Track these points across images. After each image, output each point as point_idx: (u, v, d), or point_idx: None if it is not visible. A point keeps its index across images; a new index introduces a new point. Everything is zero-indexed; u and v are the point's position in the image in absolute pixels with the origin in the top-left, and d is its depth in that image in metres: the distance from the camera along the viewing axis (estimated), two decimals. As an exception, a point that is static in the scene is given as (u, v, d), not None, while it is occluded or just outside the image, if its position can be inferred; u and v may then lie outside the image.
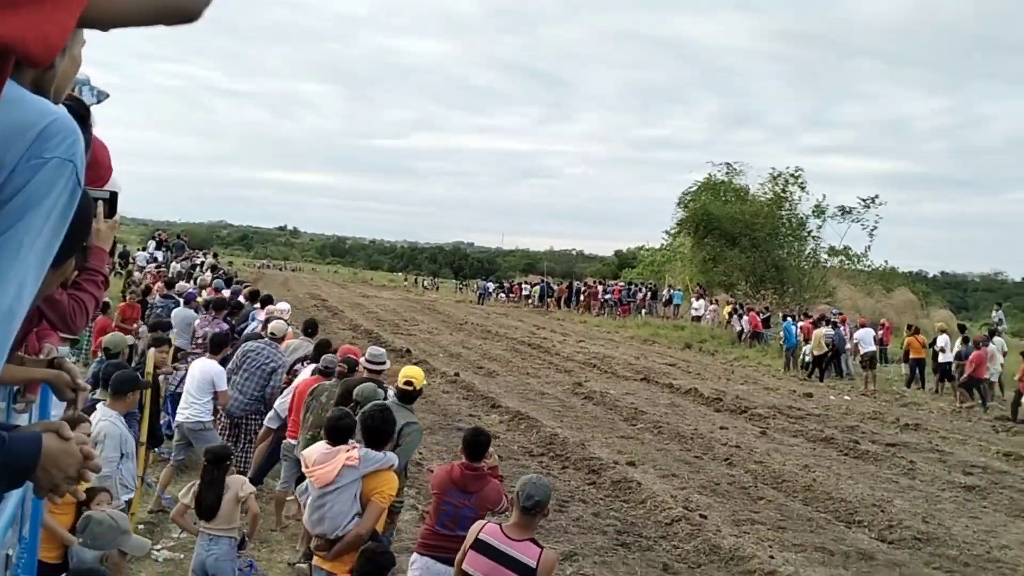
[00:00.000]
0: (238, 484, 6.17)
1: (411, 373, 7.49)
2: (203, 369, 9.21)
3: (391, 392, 8.05)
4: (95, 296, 2.98)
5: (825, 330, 25.17)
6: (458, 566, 5.11)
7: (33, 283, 1.45)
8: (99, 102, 2.22)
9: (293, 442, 8.45)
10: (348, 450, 5.75)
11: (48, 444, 1.66)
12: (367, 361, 8.56)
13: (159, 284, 18.12)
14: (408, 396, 7.34)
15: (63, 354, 3.17)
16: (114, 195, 2.31)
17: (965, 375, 20.45)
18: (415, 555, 6.04)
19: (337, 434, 5.91)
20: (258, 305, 14.36)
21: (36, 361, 2.99)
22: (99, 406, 6.71)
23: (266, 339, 10.08)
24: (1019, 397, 18.68)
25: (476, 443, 6.14)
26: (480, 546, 4.98)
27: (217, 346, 9.60)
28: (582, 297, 47.92)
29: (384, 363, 8.59)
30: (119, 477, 6.51)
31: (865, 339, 23.40)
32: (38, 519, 3.81)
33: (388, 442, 6.04)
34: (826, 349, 24.72)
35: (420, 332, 29.83)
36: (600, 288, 48.21)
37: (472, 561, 4.97)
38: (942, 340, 22.22)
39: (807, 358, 25.39)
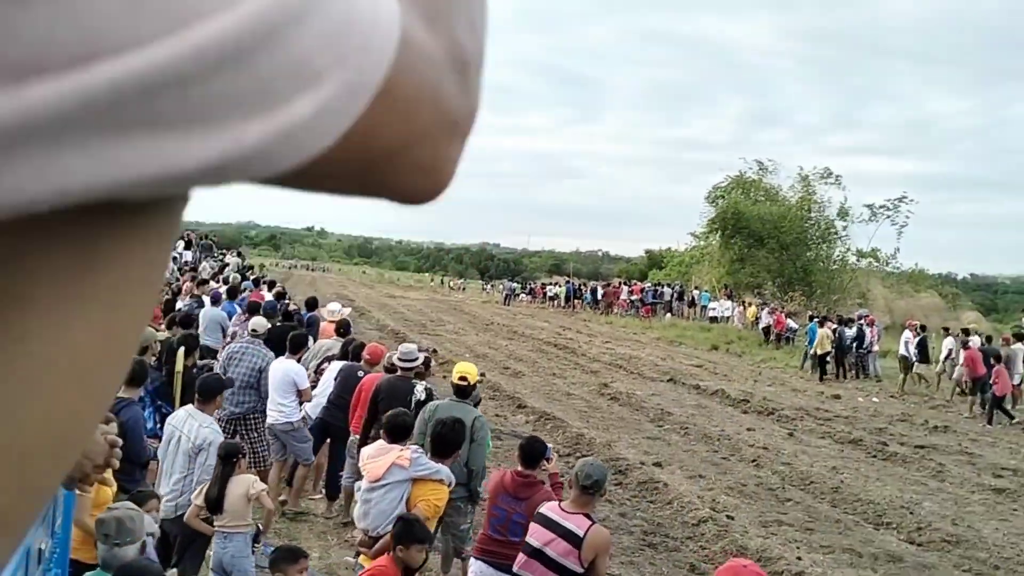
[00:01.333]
0: (248, 483, 6.22)
1: (465, 369, 7.61)
2: (284, 370, 9.12)
3: (420, 388, 8.14)
4: None
5: (825, 330, 25.11)
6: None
7: None
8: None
9: (357, 438, 8.54)
10: (401, 450, 5.80)
11: None
12: (399, 359, 8.63)
13: (187, 284, 18.25)
14: (463, 391, 7.45)
15: None
16: None
17: (965, 377, 20.36)
18: (472, 559, 6.18)
19: (394, 432, 5.97)
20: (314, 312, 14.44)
21: None
22: (190, 410, 6.80)
23: (247, 338, 10.04)
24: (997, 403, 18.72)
25: (531, 450, 6.24)
26: (540, 518, 5.32)
27: (296, 346, 9.65)
28: (600, 297, 48.01)
29: (416, 359, 8.66)
30: None
31: (907, 343, 23.05)
32: (70, 514, 3.87)
33: (452, 455, 6.10)
34: (830, 348, 24.57)
35: (447, 332, 29.90)
36: (624, 288, 48.19)
37: (532, 531, 5.30)
38: (974, 341, 22.00)
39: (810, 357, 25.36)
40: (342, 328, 11.44)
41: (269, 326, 10.74)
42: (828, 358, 24.80)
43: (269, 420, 9.15)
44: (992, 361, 19.41)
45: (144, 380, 7.00)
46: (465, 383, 7.45)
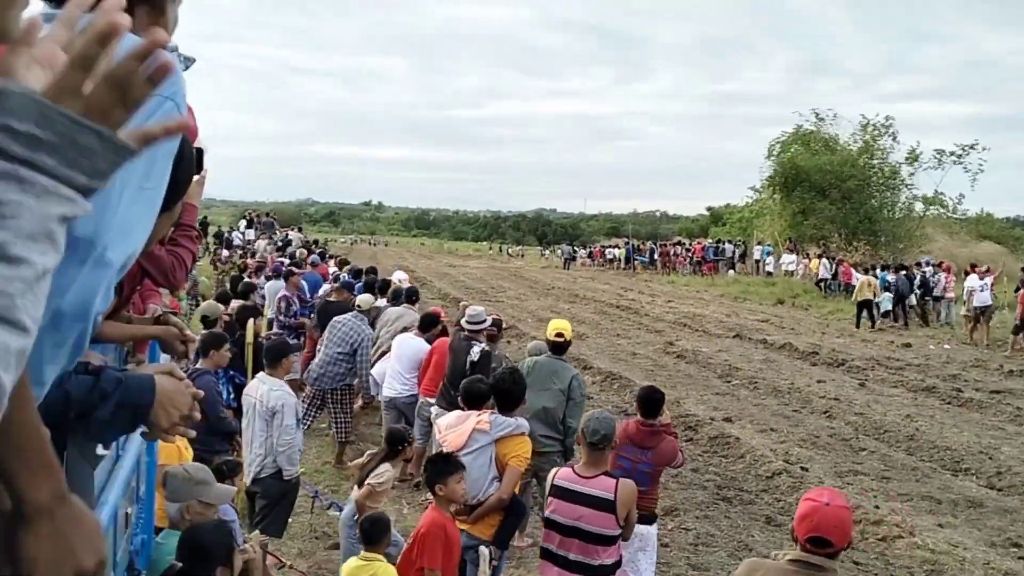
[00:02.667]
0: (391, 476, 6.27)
1: (560, 326, 7.69)
2: (416, 347, 9.43)
3: (475, 350, 8.19)
4: (191, 250, 3.08)
5: (868, 277, 24.65)
6: (545, 519, 5.21)
7: (143, 214, 1.47)
8: (187, 68, 2.27)
9: (431, 400, 8.66)
10: (479, 415, 5.83)
11: (161, 383, 1.72)
12: (466, 321, 8.70)
13: (250, 267, 18.50)
14: (559, 348, 7.54)
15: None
16: (200, 151, 2.37)
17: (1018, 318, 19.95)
18: None
19: (471, 399, 6.00)
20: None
21: (143, 319, 3.10)
22: (261, 377, 6.95)
23: (353, 312, 10.21)
24: None
25: (651, 400, 6.26)
26: (557, 491, 5.07)
27: (427, 324, 9.83)
28: (656, 256, 47.84)
29: (484, 321, 8.74)
30: (298, 444, 6.82)
31: (980, 291, 21.92)
32: (152, 479, 3.96)
33: (519, 405, 6.10)
34: (868, 296, 24.11)
35: (508, 299, 29.95)
36: (679, 247, 47.95)
37: (555, 508, 5.06)
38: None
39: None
40: (413, 296, 11.49)
41: (374, 302, 10.96)
42: (876, 306, 24.36)
43: (391, 393, 9.40)
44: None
45: (220, 349, 7.11)
46: (561, 339, 7.54)
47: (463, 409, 6.05)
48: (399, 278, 13.62)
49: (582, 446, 5.22)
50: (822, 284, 32.25)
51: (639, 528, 6.06)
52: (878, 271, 26.94)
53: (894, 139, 41.35)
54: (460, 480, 5.06)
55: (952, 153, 40.25)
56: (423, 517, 5.09)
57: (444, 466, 5.08)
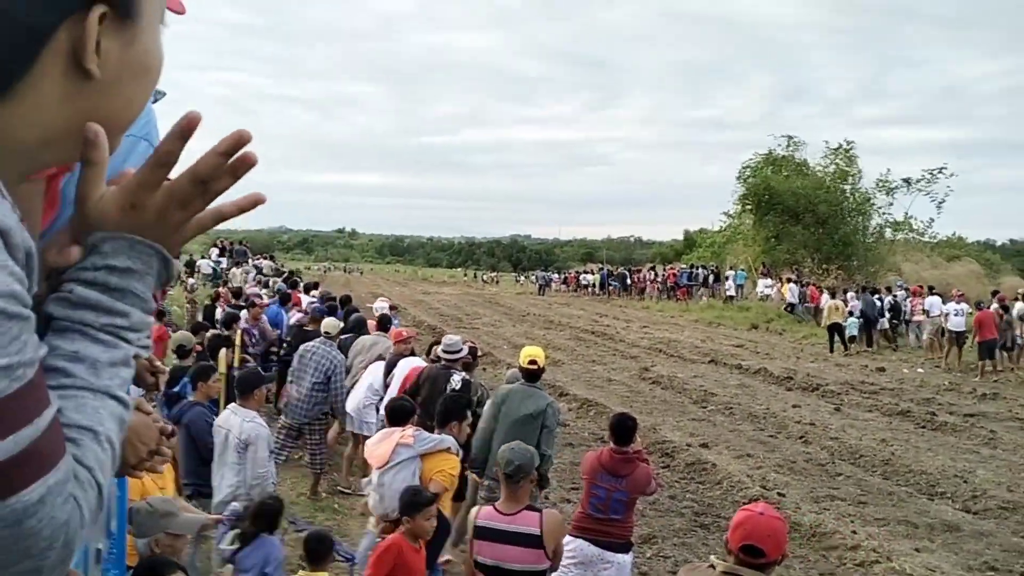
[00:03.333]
0: None
1: (533, 353, 7.60)
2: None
3: (456, 378, 8.15)
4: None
5: (836, 301, 25.04)
6: (467, 562, 5.05)
7: None
8: (155, 101, 2.23)
9: None
10: (403, 430, 5.78)
11: (130, 418, 1.67)
12: (443, 350, 8.68)
13: (224, 293, 18.29)
14: (533, 375, 7.45)
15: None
16: None
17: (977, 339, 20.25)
18: (569, 537, 6.02)
19: (395, 417, 5.95)
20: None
21: None
22: (233, 408, 6.85)
23: (320, 338, 10.05)
24: None
25: (623, 427, 6.19)
26: (479, 532, 4.91)
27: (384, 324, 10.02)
28: (629, 283, 48.24)
29: (460, 351, 8.69)
30: (271, 476, 6.73)
31: (955, 315, 22.02)
32: (124, 514, 3.88)
33: (455, 420, 6.02)
34: (838, 319, 24.28)
35: (483, 325, 29.90)
36: (652, 273, 48.31)
37: (479, 550, 4.89)
38: (1019, 308, 21.46)
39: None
40: (386, 323, 11.39)
41: (342, 326, 10.82)
42: (848, 331, 24.53)
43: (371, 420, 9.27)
44: (981, 307, 20.10)
45: (208, 380, 7.10)
46: (535, 367, 7.45)
47: (388, 427, 6.01)
48: (379, 306, 13.53)
49: (500, 479, 5.05)
50: (790, 308, 32.45)
51: (616, 557, 6.02)
52: (849, 295, 27.11)
53: (849, 163, 42.00)
54: (429, 517, 4.98)
55: (919, 180, 40.96)
56: (387, 539, 5.01)
57: (415, 499, 5.01)
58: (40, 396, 0.81)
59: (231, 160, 0.94)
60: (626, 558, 6.10)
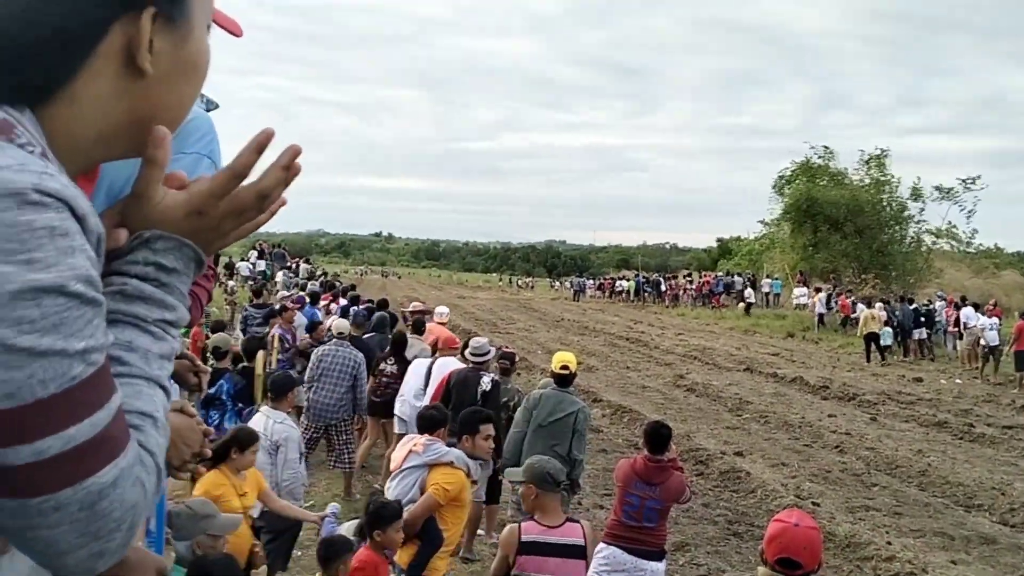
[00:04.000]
0: None
1: (565, 358, 7.67)
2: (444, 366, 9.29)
3: (485, 379, 8.22)
4: (207, 288, 3.12)
5: (873, 311, 24.70)
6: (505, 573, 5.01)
7: None
8: (209, 111, 2.32)
9: None
10: (418, 438, 5.77)
11: (173, 420, 1.70)
12: (470, 353, 8.74)
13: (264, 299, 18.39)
14: (565, 380, 7.53)
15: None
16: None
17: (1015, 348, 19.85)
18: (601, 544, 6.11)
19: (424, 426, 5.94)
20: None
21: None
22: (265, 410, 6.97)
23: (335, 340, 10.05)
24: None
25: (658, 435, 6.23)
26: (527, 547, 4.88)
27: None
28: (664, 290, 48.18)
29: (487, 353, 8.77)
30: (302, 478, 6.83)
31: (990, 330, 21.70)
32: (163, 514, 3.97)
33: (467, 434, 6.01)
34: (874, 328, 24.01)
35: (517, 330, 29.96)
36: (687, 281, 48.22)
37: (521, 564, 4.87)
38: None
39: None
40: (420, 327, 11.37)
41: (351, 327, 10.82)
42: (883, 340, 24.30)
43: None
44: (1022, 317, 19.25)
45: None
46: (566, 371, 7.52)
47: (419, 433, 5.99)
48: (441, 311, 13.58)
49: (531, 495, 5.04)
50: (820, 319, 32.23)
51: (649, 565, 6.04)
52: (877, 305, 26.91)
53: (882, 170, 41.70)
54: (398, 530, 4.99)
55: (951, 189, 40.83)
56: (357, 555, 4.99)
57: (383, 512, 5.00)
58: (110, 381, 0.85)
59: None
60: (659, 566, 6.12)
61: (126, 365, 0.92)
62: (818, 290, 34.54)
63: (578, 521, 4.99)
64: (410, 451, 5.66)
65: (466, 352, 8.91)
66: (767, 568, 3.44)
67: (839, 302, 32.15)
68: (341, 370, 9.58)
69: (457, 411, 8.11)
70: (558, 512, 5.00)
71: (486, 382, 8.27)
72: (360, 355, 9.85)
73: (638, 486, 6.06)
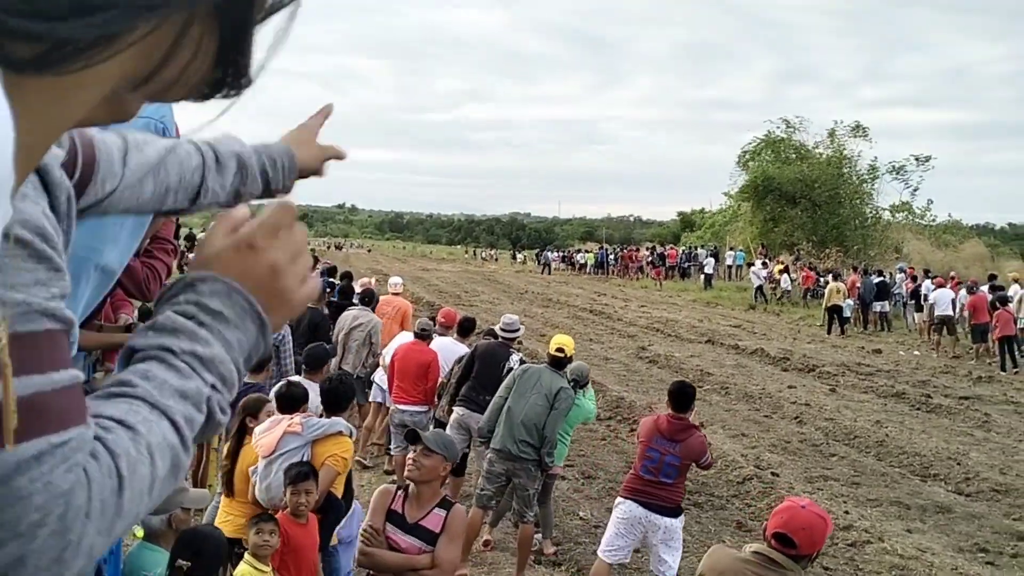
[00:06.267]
0: None
1: (562, 341, 7.70)
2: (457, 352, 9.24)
3: (515, 358, 8.27)
4: (166, 263, 3.06)
5: (837, 283, 24.94)
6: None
7: (130, 239, 1.50)
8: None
9: (401, 407, 8.73)
10: (291, 418, 5.53)
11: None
12: (501, 328, 8.88)
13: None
14: (559, 362, 7.54)
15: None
16: None
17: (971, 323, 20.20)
18: (619, 498, 6.41)
19: (287, 403, 5.71)
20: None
21: (114, 328, 3.07)
22: (302, 380, 6.86)
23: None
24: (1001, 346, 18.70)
25: (683, 394, 6.45)
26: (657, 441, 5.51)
27: (466, 331, 9.95)
28: (616, 261, 48.74)
29: (518, 330, 8.94)
30: None
31: (941, 301, 21.61)
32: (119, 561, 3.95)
33: (345, 409, 5.93)
34: (838, 301, 24.26)
35: (481, 303, 29.90)
36: (649, 253, 48.48)
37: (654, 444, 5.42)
38: (1014, 291, 21.48)
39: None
40: (368, 298, 11.29)
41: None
42: (845, 312, 24.61)
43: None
44: (997, 305, 19.33)
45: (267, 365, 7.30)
46: (562, 355, 7.55)
47: (279, 412, 5.83)
48: (394, 282, 13.53)
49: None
50: (759, 291, 32.59)
51: (663, 521, 6.22)
52: (859, 276, 27.17)
53: (866, 139, 42.34)
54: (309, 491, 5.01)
55: (903, 167, 41.72)
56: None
57: (299, 473, 5.00)
58: (62, 356, 0.71)
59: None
60: (674, 522, 6.32)
61: (132, 387, 0.79)
62: (765, 264, 34.91)
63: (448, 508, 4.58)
64: (285, 432, 5.44)
65: (496, 327, 9.04)
66: (761, 543, 3.51)
67: (803, 275, 32.42)
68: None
69: (481, 384, 8.13)
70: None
71: (515, 360, 8.29)
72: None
73: (659, 442, 6.26)
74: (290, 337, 9.52)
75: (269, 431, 5.48)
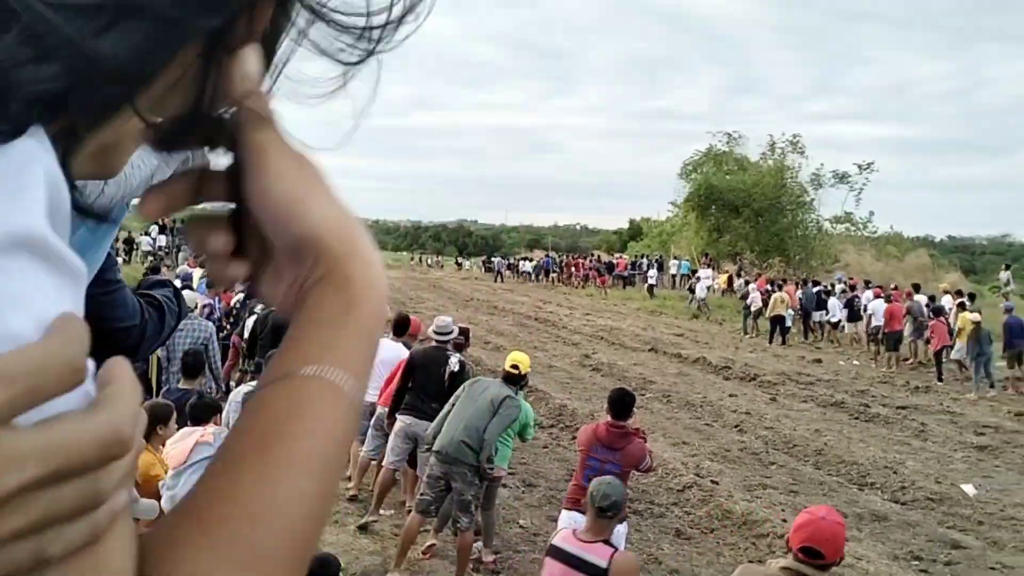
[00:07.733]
0: None
1: (517, 358, 7.67)
2: (398, 351, 9.03)
3: (453, 360, 8.14)
4: None
5: (782, 294, 25.25)
6: None
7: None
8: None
9: (385, 410, 8.52)
10: (203, 429, 5.47)
11: None
12: (434, 331, 8.71)
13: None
14: (513, 379, 7.50)
15: None
16: None
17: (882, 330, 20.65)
18: (563, 510, 6.36)
19: (199, 413, 5.65)
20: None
21: None
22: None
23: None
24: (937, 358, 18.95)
25: (621, 402, 6.41)
26: (553, 551, 4.88)
27: (400, 329, 9.72)
28: (560, 268, 48.98)
29: (451, 332, 8.76)
30: None
31: (879, 312, 21.74)
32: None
33: (214, 414, 5.82)
34: (781, 311, 24.52)
35: (427, 310, 29.69)
36: (591, 261, 48.69)
37: (548, 569, 4.85)
38: (945, 302, 21.90)
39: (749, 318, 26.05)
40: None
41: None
42: (788, 322, 24.94)
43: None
44: (931, 315, 19.70)
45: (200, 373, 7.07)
46: (516, 371, 7.51)
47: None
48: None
49: (588, 510, 4.99)
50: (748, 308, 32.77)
51: None
52: (751, 287, 27.52)
53: (802, 155, 42.97)
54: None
55: (847, 175, 42.43)
56: None
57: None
58: None
59: None
60: (619, 528, 6.18)
61: None
62: (732, 277, 35.27)
63: (616, 549, 4.80)
64: (197, 443, 5.32)
65: (430, 331, 8.84)
66: (789, 557, 3.60)
67: (757, 283, 32.62)
68: (192, 343, 9.21)
69: (423, 391, 8.02)
70: (601, 533, 4.85)
71: (454, 362, 8.17)
72: (209, 327, 9.63)
73: (599, 450, 6.24)
74: (216, 341, 9.40)
75: (179, 442, 5.36)
